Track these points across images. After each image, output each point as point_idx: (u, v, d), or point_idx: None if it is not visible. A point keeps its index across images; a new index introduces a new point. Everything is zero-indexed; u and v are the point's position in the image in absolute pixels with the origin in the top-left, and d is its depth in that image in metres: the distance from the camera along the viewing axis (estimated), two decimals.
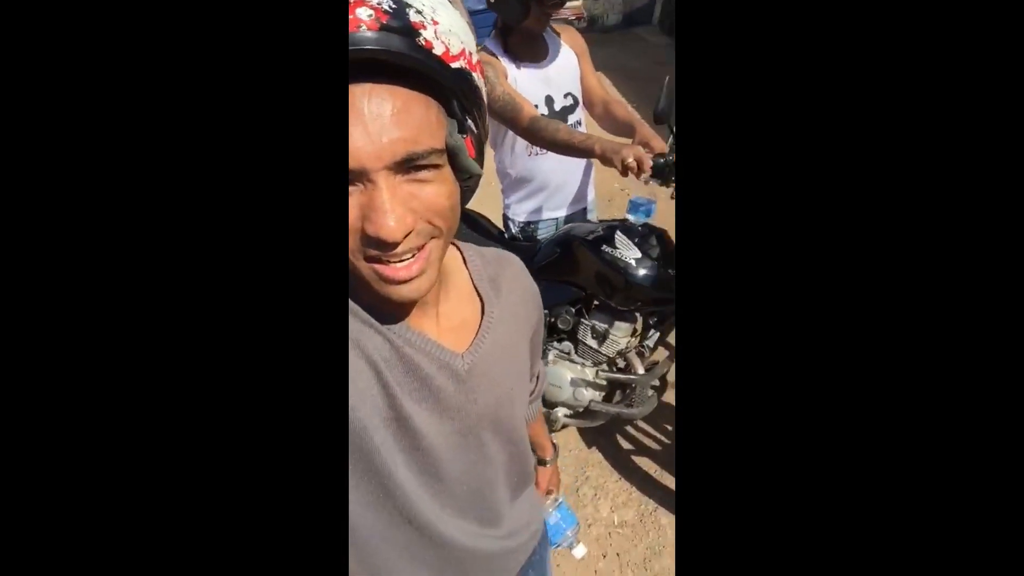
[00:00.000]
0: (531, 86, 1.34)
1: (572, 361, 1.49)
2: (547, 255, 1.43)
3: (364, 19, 0.31)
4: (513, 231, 1.58)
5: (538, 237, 1.55)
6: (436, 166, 0.37)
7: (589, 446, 1.75)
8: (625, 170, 1.08)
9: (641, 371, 1.44)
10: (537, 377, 0.72)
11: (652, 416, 1.77)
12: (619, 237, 1.32)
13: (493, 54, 1.33)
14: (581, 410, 1.52)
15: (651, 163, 1.07)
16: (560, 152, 1.22)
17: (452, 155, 0.39)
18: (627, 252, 1.31)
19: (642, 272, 1.30)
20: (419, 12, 0.33)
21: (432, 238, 0.39)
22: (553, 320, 1.48)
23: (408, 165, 0.35)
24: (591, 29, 8.60)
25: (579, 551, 0.91)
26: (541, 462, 0.85)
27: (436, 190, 0.37)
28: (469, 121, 0.41)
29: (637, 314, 1.43)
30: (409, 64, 0.33)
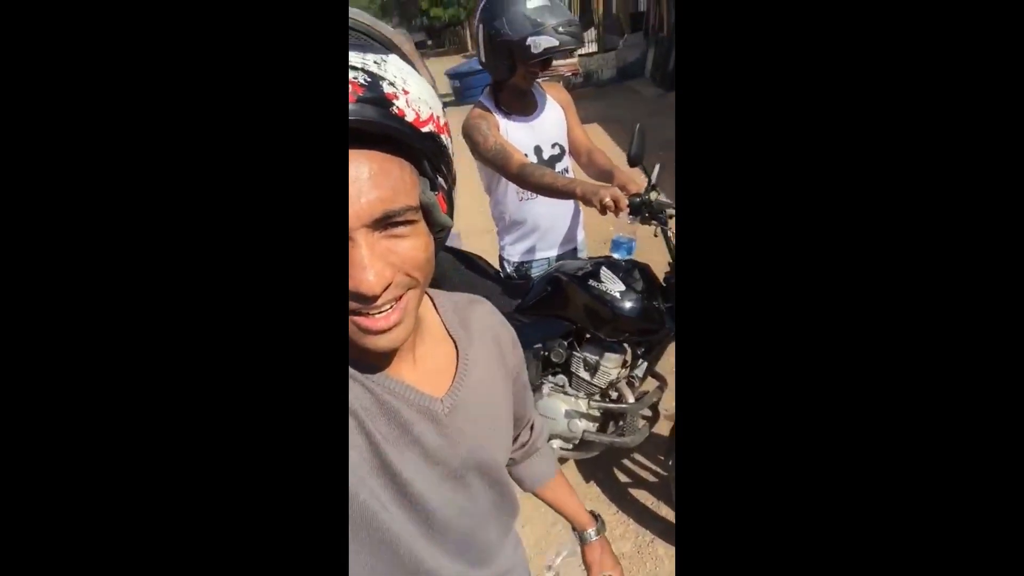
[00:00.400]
0: (521, 137, 1.48)
1: (566, 393, 1.55)
2: (538, 292, 1.52)
3: None
4: (508, 271, 1.68)
5: (532, 275, 1.65)
6: (411, 222, 0.40)
7: (587, 480, 1.77)
8: (603, 209, 1.19)
9: (632, 400, 1.49)
10: (531, 427, 0.71)
11: (647, 448, 1.81)
12: (604, 272, 1.41)
13: (487, 108, 1.47)
14: (576, 442, 1.56)
15: (627, 202, 1.18)
16: (546, 195, 1.35)
17: (426, 211, 0.43)
18: (612, 286, 1.39)
19: (627, 304, 1.38)
20: (391, 84, 0.37)
21: (409, 289, 0.41)
22: (547, 354, 1.56)
23: (385, 222, 0.38)
24: (587, 84, 9.04)
25: None
26: (584, 539, 0.77)
27: (412, 244, 0.40)
28: (439, 179, 0.44)
29: (626, 345, 1.50)
30: (384, 132, 0.37)
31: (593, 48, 10.76)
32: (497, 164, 1.40)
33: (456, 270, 1.64)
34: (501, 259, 1.70)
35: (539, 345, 1.55)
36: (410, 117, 0.38)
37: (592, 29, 11.08)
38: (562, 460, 1.70)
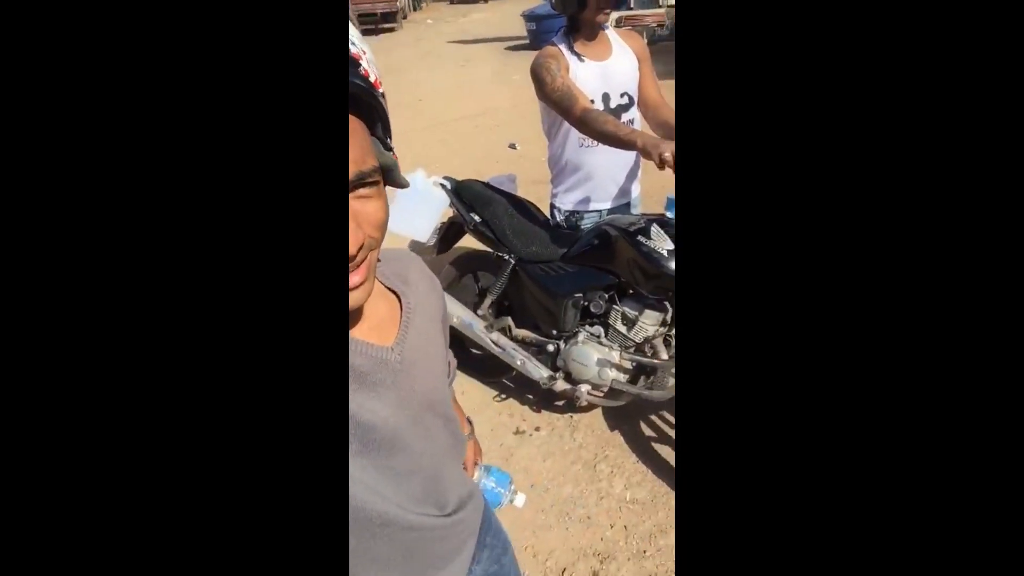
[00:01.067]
0: (591, 81, 1.47)
1: (601, 343, 1.60)
2: (586, 243, 1.55)
3: None
4: (559, 219, 1.71)
5: (581, 226, 1.67)
6: (376, 182, 0.41)
7: (611, 429, 1.84)
8: (662, 164, 1.19)
9: (665, 357, 1.53)
10: (449, 363, 0.74)
11: (672, 408, 1.84)
12: (655, 230, 1.41)
13: (560, 49, 1.46)
14: (606, 389, 1.62)
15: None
16: (606, 143, 1.34)
17: (386, 172, 0.43)
18: (662, 244, 1.40)
19: (674, 264, 1.39)
20: (354, 44, 0.37)
21: (371, 249, 0.42)
22: (586, 304, 1.60)
23: (356, 184, 0.38)
24: (672, 37, 8.50)
25: (519, 500, 0.93)
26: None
27: (376, 205, 0.41)
28: (388, 139, 0.45)
29: (667, 303, 1.52)
30: (354, 91, 0.37)
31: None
32: (562, 106, 1.39)
33: (508, 214, 1.69)
34: (552, 207, 1.73)
35: (579, 295, 1.59)
36: (372, 78, 0.39)
37: None
38: (591, 405, 1.77)
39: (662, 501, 1.59)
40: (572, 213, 1.67)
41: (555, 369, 1.69)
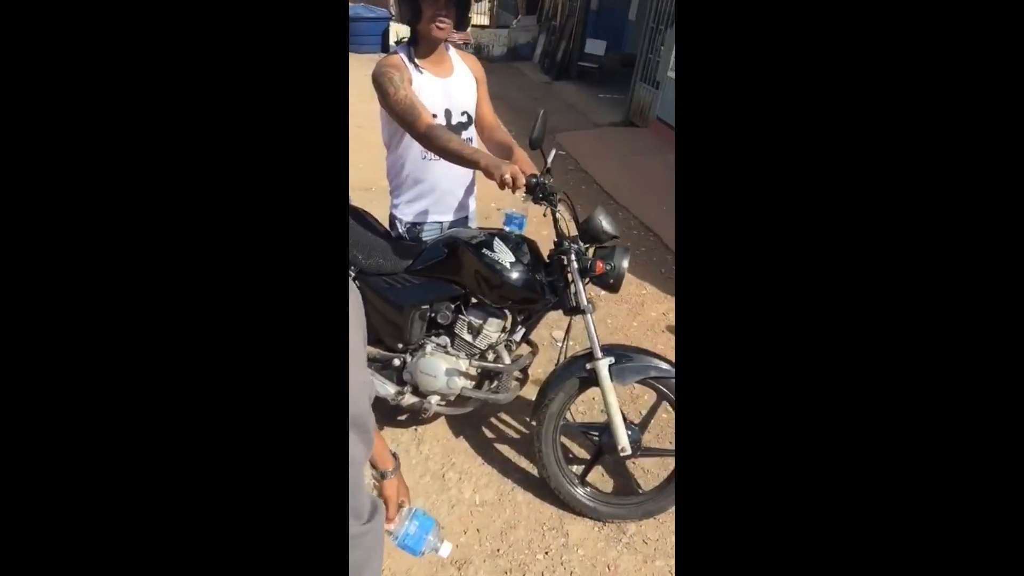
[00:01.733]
0: (433, 96, 1.49)
1: (448, 353, 1.63)
2: (434, 255, 1.57)
3: None
4: (400, 230, 1.68)
5: (422, 238, 1.68)
6: None
7: (456, 436, 1.89)
8: (503, 184, 1.28)
9: (508, 361, 1.63)
10: (365, 382, 0.78)
11: (512, 410, 1.97)
12: (497, 243, 1.51)
13: (402, 60, 1.45)
14: (453, 398, 1.65)
15: (524, 181, 1.27)
16: (450, 160, 1.39)
17: None
18: (503, 256, 1.50)
19: (515, 274, 1.49)
20: None
21: None
22: (433, 315, 1.61)
23: None
24: (478, 56, 9.00)
25: (444, 550, 0.90)
26: (383, 475, 0.84)
27: None
28: None
29: (507, 312, 1.62)
30: None
31: (485, 21, 10.68)
32: (406, 119, 1.40)
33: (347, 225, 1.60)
34: (392, 217, 1.70)
35: (426, 306, 1.60)
36: None
37: (486, 1, 10.97)
38: (436, 415, 1.78)
39: (508, 499, 1.68)
40: (413, 225, 1.67)
41: (401, 383, 1.67)
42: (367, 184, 3.33)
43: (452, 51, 1.58)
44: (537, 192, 1.38)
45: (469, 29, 9.54)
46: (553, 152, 1.52)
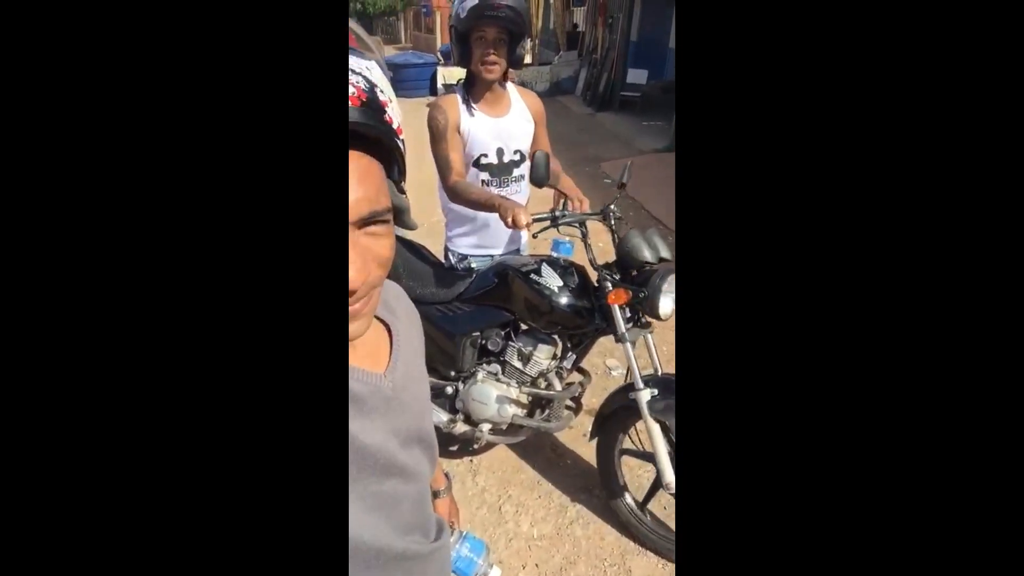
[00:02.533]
0: (484, 135, 1.55)
1: (499, 380, 1.62)
2: (484, 283, 1.59)
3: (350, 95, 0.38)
4: (452, 261, 1.73)
5: (474, 268, 1.71)
6: (387, 221, 0.42)
7: (512, 467, 1.86)
8: (508, 225, 1.33)
9: (559, 388, 1.60)
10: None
11: (569, 440, 1.93)
12: (545, 269, 1.51)
13: (456, 99, 1.53)
14: (504, 427, 1.64)
15: (527, 221, 1.31)
16: (473, 208, 1.50)
17: (397, 213, 0.46)
18: (552, 282, 1.50)
19: (563, 300, 1.48)
20: (383, 92, 0.40)
21: (373, 287, 0.43)
22: (484, 342, 1.62)
23: (368, 220, 0.40)
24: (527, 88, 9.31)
25: (495, 573, 0.89)
26: (436, 495, 0.83)
27: (386, 243, 0.43)
28: (403, 182, 0.48)
29: (557, 338, 1.61)
30: (376, 135, 0.39)
31: (528, 59, 11.05)
32: (440, 171, 1.53)
33: (401, 256, 1.66)
34: (446, 249, 1.75)
35: (477, 333, 1.61)
36: (395, 124, 0.42)
37: (528, 41, 11.36)
38: (489, 444, 1.76)
39: (567, 533, 1.63)
40: (465, 257, 1.70)
41: (454, 411, 1.67)
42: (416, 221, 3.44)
43: (512, 88, 1.63)
44: (554, 225, 1.45)
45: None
46: (626, 172, 1.57)
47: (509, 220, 1.30)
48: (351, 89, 0.37)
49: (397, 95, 0.45)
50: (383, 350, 0.55)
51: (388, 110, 0.41)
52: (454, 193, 1.49)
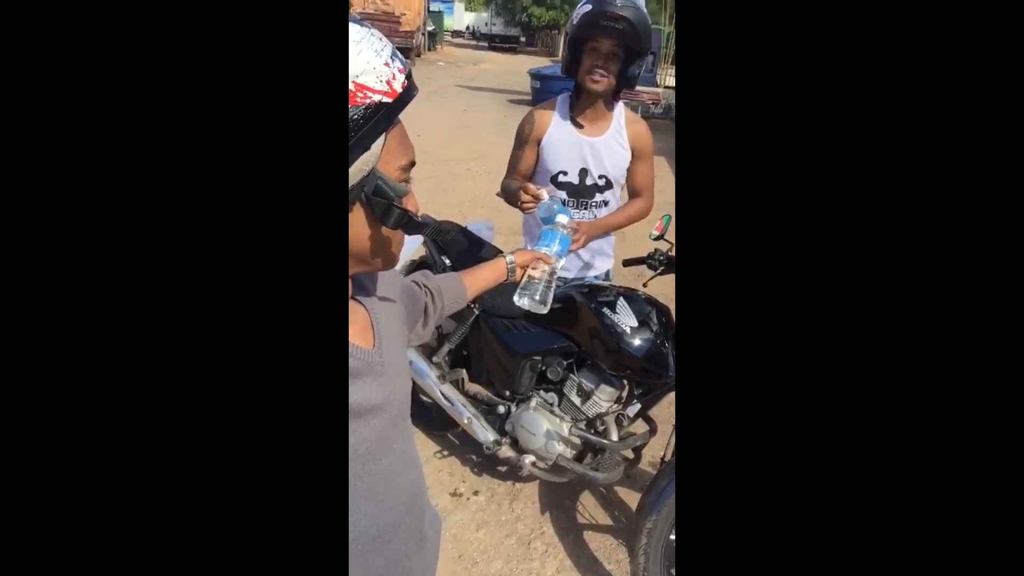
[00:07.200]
0: (567, 150, 1.46)
1: (553, 413, 1.52)
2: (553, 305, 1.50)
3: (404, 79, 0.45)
4: None
5: None
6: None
7: (552, 503, 1.74)
8: (520, 205, 1.30)
9: (615, 438, 1.46)
10: (427, 289, 0.79)
11: (622, 491, 1.76)
12: (621, 303, 1.38)
13: (554, 107, 1.49)
14: (549, 463, 1.53)
15: (536, 192, 1.24)
16: (509, 202, 1.46)
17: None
18: (625, 319, 1.36)
19: (636, 341, 1.34)
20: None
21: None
22: (544, 368, 1.53)
23: (409, 167, 0.48)
24: (666, 115, 8.94)
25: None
26: (511, 269, 0.95)
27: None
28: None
29: (624, 381, 1.47)
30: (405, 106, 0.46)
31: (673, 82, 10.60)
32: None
33: (478, 264, 1.64)
34: None
35: (538, 357, 1.53)
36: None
37: (651, 58, 10.90)
38: (532, 477, 1.67)
39: None
40: None
41: (502, 433, 1.60)
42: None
43: (621, 111, 1.49)
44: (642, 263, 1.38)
45: (661, 88, 9.58)
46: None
47: (522, 196, 1.27)
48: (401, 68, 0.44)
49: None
50: (367, 328, 0.57)
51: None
52: (501, 189, 1.53)
